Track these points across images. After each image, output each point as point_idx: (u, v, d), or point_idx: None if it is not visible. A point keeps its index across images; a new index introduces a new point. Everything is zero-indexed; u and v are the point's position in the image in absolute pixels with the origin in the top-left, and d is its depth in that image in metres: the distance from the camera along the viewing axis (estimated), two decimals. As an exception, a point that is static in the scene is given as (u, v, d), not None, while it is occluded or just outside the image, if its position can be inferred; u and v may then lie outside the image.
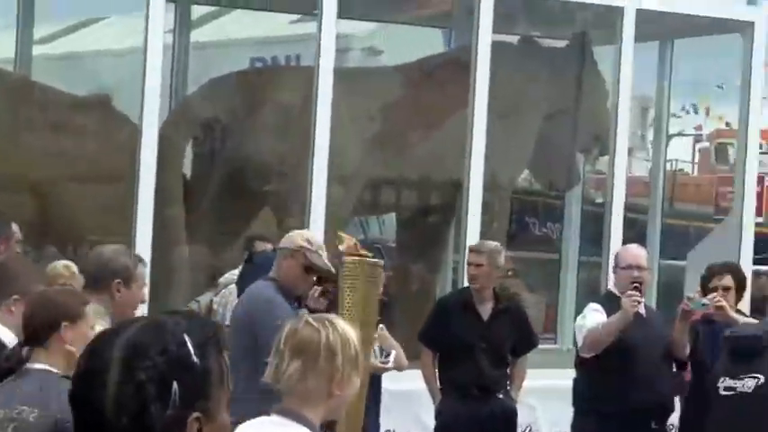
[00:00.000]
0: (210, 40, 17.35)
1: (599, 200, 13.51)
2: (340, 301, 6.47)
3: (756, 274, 11.81)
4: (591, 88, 12.03)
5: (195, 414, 2.21)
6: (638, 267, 7.67)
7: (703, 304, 7.55)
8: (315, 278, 6.64)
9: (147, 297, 5.77)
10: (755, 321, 7.77)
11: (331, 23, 9.88)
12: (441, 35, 13.54)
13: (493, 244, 8.46)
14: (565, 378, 8.05)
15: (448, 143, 11.27)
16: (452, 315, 8.21)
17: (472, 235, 10.02)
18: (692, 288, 9.37)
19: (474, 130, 10.33)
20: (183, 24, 12.55)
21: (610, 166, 11.20)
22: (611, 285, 8.24)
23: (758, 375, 6.48)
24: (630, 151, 22.67)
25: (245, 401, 4.07)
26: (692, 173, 29.66)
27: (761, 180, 18.74)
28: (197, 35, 14.20)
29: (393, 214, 13.26)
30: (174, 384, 2.19)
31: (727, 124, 24.81)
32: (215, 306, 7.70)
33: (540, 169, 13.25)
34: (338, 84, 9.99)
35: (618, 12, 10.76)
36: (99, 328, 4.67)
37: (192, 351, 2.23)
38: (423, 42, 13.81)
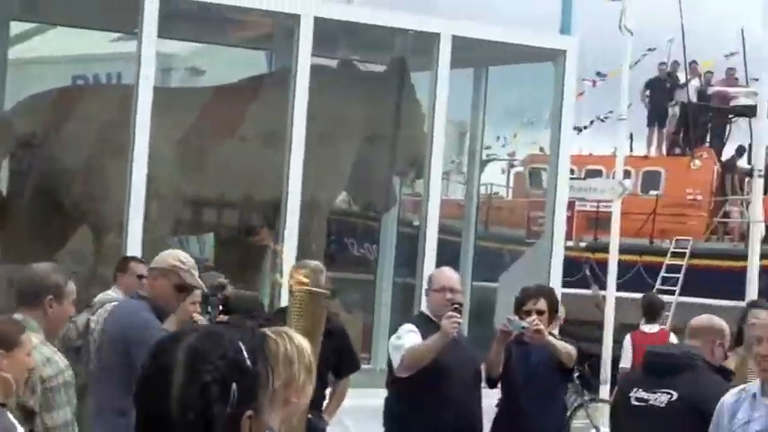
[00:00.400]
0: (30, 56, 17.08)
1: (415, 222, 13.72)
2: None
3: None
4: (408, 112, 12.23)
5: (249, 412, 2.47)
6: (451, 290, 7.72)
7: (523, 327, 7.68)
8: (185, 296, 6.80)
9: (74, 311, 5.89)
10: (569, 344, 8.00)
11: (151, 43, 9.88)
12: (263, 57, 13.62)
13: (314, 263, 8.50)
14: (379, 398, 8.10)
15: (267, 164, 11.35)
16: (273, 335, 8.23)
17: (289, 255, 10.09)
18: (503, 310, 9.60)
19: (292, 152, 10.43)
20: (1, 41, 12.35)
21: (425, 190, 11.40)
22: (423, 307, 8.24)
23: (672, 392, 6.60)
24: (447, 175, 23.14)
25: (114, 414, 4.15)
26: (507, 197, 30.28)
27: (571, 205, 19.33)
28: (16, 52, 13.97)
29: (212, 234, 13.26)
30: (234, 386, 2.46)
31: (541, 149, 25.42)
32: (92, 325, 7.66)
33: (359, 191, 13.41)
34: (158, 103, 9.98)
35: (434, 38, 10.98)
36: (34, 341, 4.96)
37: (246, 356, 2.51)
38: (244, 64, 13.88)
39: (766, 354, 5.38)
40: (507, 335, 7.77)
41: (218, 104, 12.02)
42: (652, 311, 13.90)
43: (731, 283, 19.24)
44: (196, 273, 6.84)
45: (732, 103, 28.17)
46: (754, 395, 5.38)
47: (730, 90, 28.13)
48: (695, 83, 28.29)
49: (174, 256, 6.91)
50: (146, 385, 2.51)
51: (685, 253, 25.50)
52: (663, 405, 6.54)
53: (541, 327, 7.72)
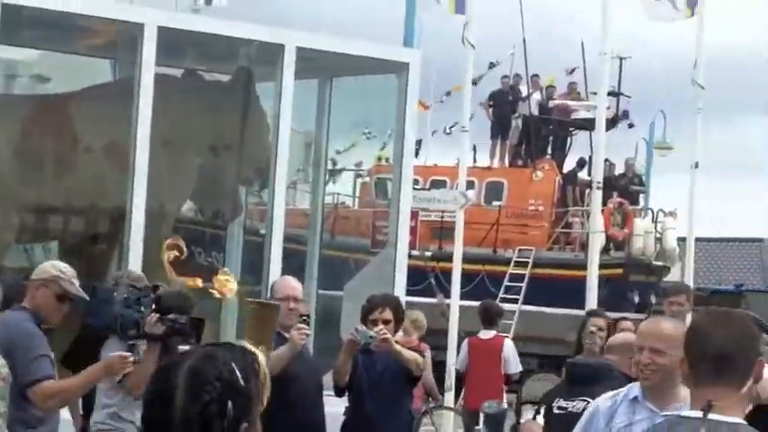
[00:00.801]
0: None
1: (261, 230, 13.77)
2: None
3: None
4: (253, 122, 12.29)
5: (244, 425, 2.76)
6: (294, 299, 7.81)
7: (371, 336, 7.80)
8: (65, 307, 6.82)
9: None
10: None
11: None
12: (107, 65, 13.53)
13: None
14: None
15: (112, 172, 11.30)
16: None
17: (134, 263, 10.07)
18: (349, 318, 9.72)
19: (136, 160, 10.42)
20: None
21: (270, 198, 11.48)
22: None
23: (589, 399, 6.75)
24: (294, 184, 23.23)
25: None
26: (354, 206, 30.48)
27: (415, 215, 19.59)
28: None
29: (56, 242, 13.11)
30: (229, 403, 2.74)
31: (387, 160, 25.69)
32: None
33: (205, 200, 13.41)
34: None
35: (278, 49, 11.07)
36: None
37: (239, 376, 2.79)
38: (89, 72, 13.77)
39: (648, 362, 5.39)
40: (355, 344, 7.89)
41: (61, 112, 11.91)
42: (488, 318, 14.28)
43: (572, 292, 19.70)
44: (77, 282, 6.89)
45: (573, 117, 28.84)
46: (635, 398, 5.44)
47: (571, 103, 28.78)
48: (537, 96, 28.89)
49: (56, 267, 6.98)
50: (150, 405, 2.82)
51: (528, 262, 26.04)
52: (580, 411, 6.72)
53: (388, 336, 7.85)
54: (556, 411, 7.24)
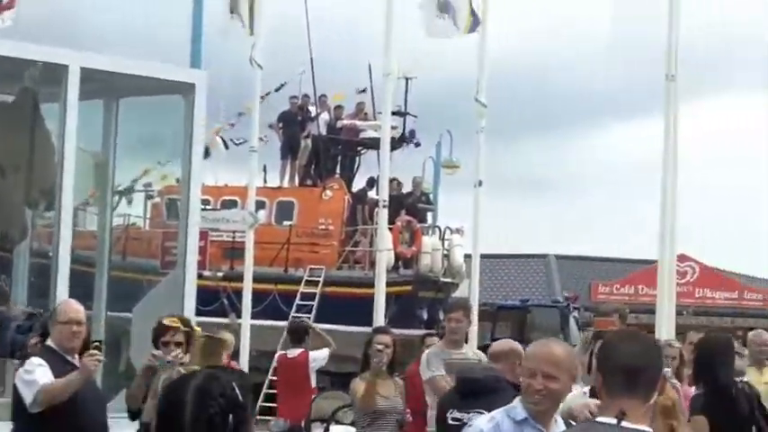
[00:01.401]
0: None
1: (49, 253, 13.60)
2: None
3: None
4: (38, 143, 12.15)
5: None
6: (77, 322, 7.78)
7: (168, 362, 7.88)
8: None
9: None
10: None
11: None
12: None
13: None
14: (5, 430, 8.03)
15: None
16: None
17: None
18: (138, 340, 9.70)
19: None
20: None
21: (56, 220, 11.38)
22: (49, 340, 8.05)
23: (483, 411, 6.95)
24: (84, 206, 22.91)
25: None
26: (144, 227, 30.19)
27: (204, 235, 19.61)
28: None
29: None
30: (230, 417, 3.44)
31: (177, 181, 25.54)
32: None
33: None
34: None
35: (63, 69, 11.01)
36: None
37: (238, 393, 3.49)
38: None
39: (540, 388, 5.27)
40: (152, 369, 7.96)
41: None
42: (297, 337, 14.61)
43: (362, 310, 19.97)
44: None
45: (361, 136, 29.24)
46: (524, 420, 5.35)
47: (359, 123, 29.18)
48: (325, 116, 29.19)
49: None
50: (163, 419, 3.53)
51: (319, 281, 26.27)
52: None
53: (186, 360, 7.93)
54: (450, 422, 7.61)
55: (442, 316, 25.02)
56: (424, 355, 10.01)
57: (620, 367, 4.01)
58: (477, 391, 7.61)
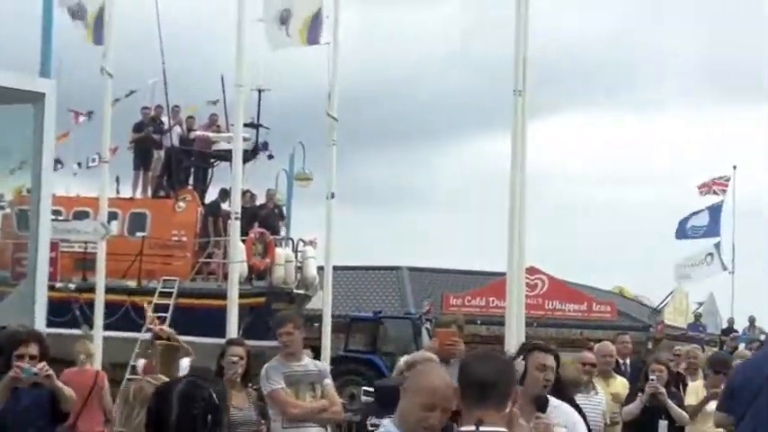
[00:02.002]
0: None
1: None
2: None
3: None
4: None
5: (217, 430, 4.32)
6: None
7: (34, 373, 7.86)
8: None
9: None
10: None
11: None
12: None
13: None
14: None
15: None
16: None
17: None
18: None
19: None
20: None
21: None
22: None
23: None
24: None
25: None
26: (-4, 239, 29.68)
27: (55, 246, 19.36)
28: None
29: None
30: (209, 417, 4.25)
31: (28, 191, 25.17)
32: None
33: None
34: None
35: None
36: None
37: (215, 398, 4.30)
38: None
39: (437, 424, 5.04)
40: (17, 380, 7.91)
41: None
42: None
43: (216, 321, 19.95)
44: None
45: (214, 148, 29.17)
46: None
47: (211, 135, 29.08)
48: (178, 128, 29.05)
49: None
50: (152, 419, 4.30)
51: (172, 293, 26.12)
52: None
53: (51, 373, 7.98)
54: (369, 428, 8.46)
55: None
56: (263, 370, 10.06)
57: (474, 382, 4.72)
58: (392, 397, 7.74)
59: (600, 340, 14.00)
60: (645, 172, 65.55)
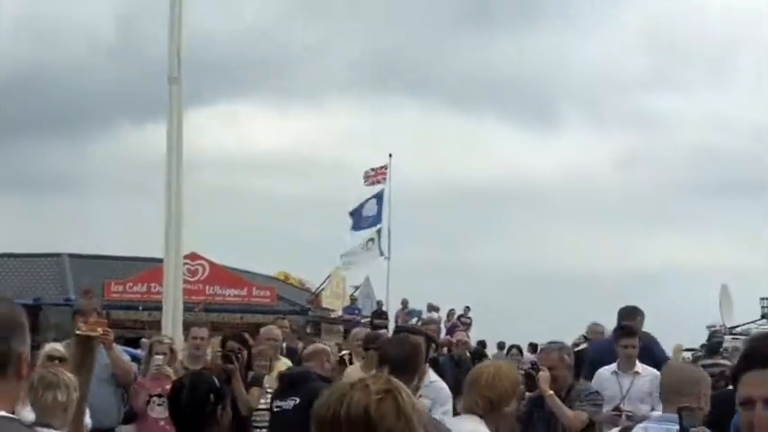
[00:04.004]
0: None
1: None
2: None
3: None
4: None
5: (220, 407, 5.59)
6: None
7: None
8: None
9: None
10: None
11: None
12: None
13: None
14: None
15: None
16: None
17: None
18: None
19: None
20: None
21: None
22: None
23: (296, 398, 9.65)
24: None
25: None
26: None
27: None
28: None
29: None
30: (212, 396, 5.57)
31: None
32: None
33: None
34: None
35: None
36: None
37: (217, 383, 5.68)
38: None
39: None
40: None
41: None
42: None
43: None
44: None
45: None
46: None
47: None
48: None
49: None
50: (173, 400, 5.64)
51: None
52: (290, 408, 9.69)
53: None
54: (275, 409, 9.98)
55: None
56: None
57: (391, 361, 6.65)
58: (291, 382, 9.96)
59: (260, 324, 14.42)
60: (310, 162, 66.77)
